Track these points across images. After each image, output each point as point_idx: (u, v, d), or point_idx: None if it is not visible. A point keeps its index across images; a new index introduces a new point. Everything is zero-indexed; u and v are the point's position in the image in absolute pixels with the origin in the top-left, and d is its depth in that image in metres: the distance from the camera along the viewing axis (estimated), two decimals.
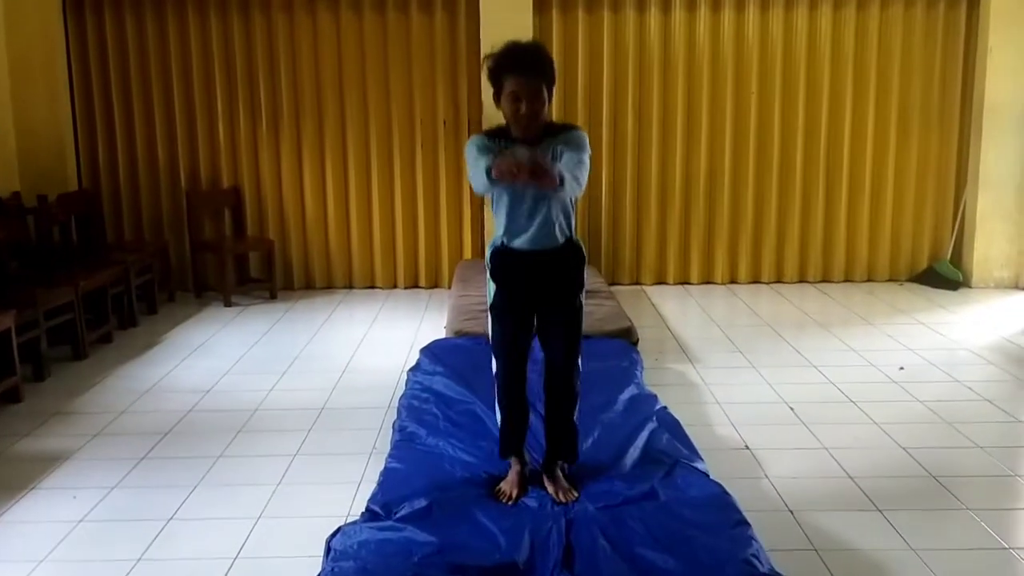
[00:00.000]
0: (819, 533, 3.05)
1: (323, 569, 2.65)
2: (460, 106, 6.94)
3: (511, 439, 3.17)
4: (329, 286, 7.20)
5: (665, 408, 3.87)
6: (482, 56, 3.03)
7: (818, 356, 5.18)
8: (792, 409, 4.31)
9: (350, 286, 7.22)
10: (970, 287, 7.01)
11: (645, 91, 6.98)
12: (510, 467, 3.17)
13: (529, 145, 2.87)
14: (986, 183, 6.93)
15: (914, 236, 7.24)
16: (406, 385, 4.30)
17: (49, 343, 4.98)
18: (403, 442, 3.55)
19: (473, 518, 2.89)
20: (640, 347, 4.93)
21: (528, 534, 2.77)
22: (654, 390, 4.16)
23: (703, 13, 6.90)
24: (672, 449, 3.40)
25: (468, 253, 7.12)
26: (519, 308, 3.03)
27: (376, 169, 7.01)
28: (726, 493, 3.02)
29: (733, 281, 7.25)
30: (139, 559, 2.95)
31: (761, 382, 4.74)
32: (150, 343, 5.67)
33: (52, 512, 3.32)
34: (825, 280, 7.26)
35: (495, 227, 3.04)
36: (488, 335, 3.15)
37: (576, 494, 3.05)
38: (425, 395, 4.04)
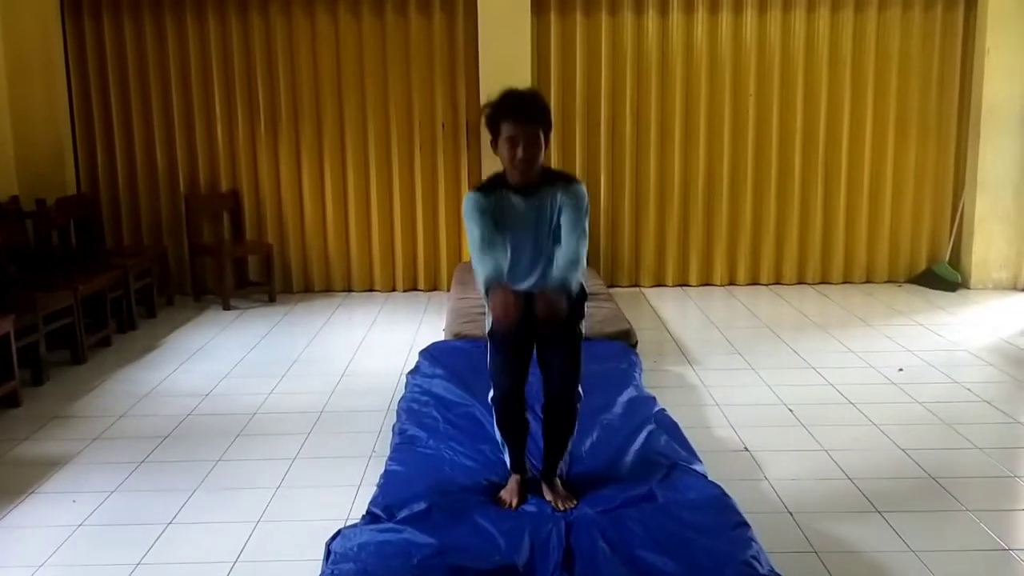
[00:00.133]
0: (819, 535, 3.05)
1: (323, 572, 2.65)
2: (458, 109, 6.95)
3: (515, 459, 3.17)
4: (328, 289, 7.20)
5: (664, 410, 3.87)
6: (481, 104, 3.04)
7: (817, 358, 5.19)
8: (791, 411, 4.31)
9: (349, 289, 7.22)
10: (968, 288, 7.01)
11: (643, 94, 6.99)
12: (510, 475, 3.17)
13: (529, 192, 2.88)
14: (984, 184, 6.93)
15: (913, 237, 7.25)
16: (405, 388, 4.30)
17: (48, 347, 4.98)
18: (403, 445, 3.55)
19: (473, 520, 2.89)
20: (639, 349, 4.93)
21: (528, 536, 2.77)
22: (653, 392, 4.16)
23: (701, 16, 6.91)
24: (671, 451, 3.40)
25: (467, 255, 7.12)
26: (518, 338, 3.04)
27: (375, 172, 7.01)
28: (725, 495, 3.02)
29: (732, 283, 7.26)
30: (138, 563, 2.95)
31: (760, 384, 4.74)
32: (149, 347, 5.67)
33: (51, 516, 3.32)
34: (824, 282, 7.26)
35: None
36: (486, 338, 3.14)
37: (575, 502, 3.05)
38: (425, 398, 4.04)
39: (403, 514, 2.91)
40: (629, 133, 7.02)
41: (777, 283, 7.26)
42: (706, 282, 7.26)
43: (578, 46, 6.91)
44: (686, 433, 3.65)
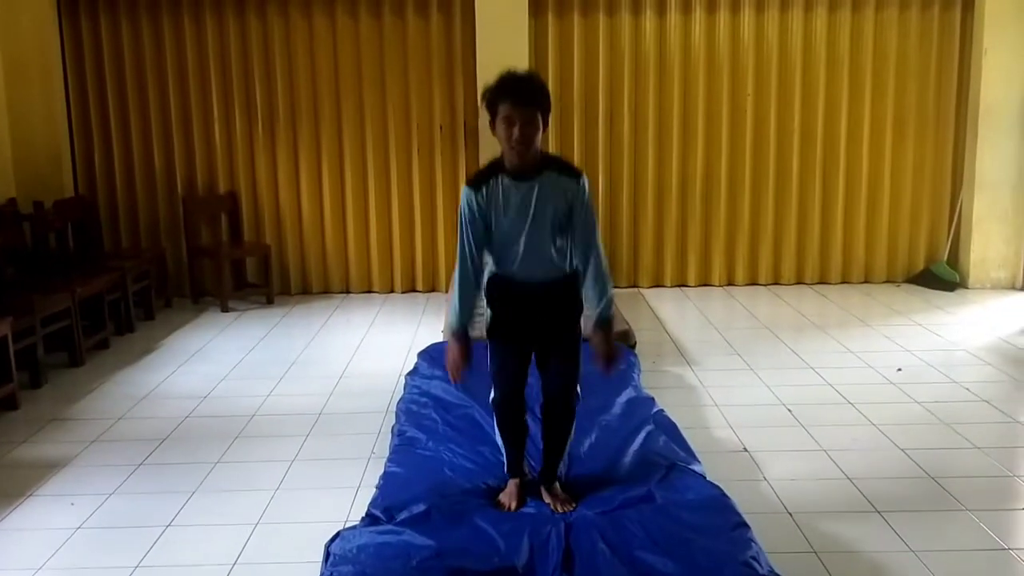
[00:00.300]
0: (818, 535, 3.04)
1: (322, 574, 2.65)
2: (456, 110, 6.95)
3: (514, 462, 3.17)
4: (326, 290, 7.20)
5: (663, 411, 3.87)
6: (480, 90, 3.03)
7: (816, 358, 5.19)
8: (790, 411, 4.31)
9: (347, 290, 7.21)
10: (967, 288, 7.02)
11: (641, 94, 6.99)
12: (509, 478, 3.16)
13: (525, 177, 2.86)
14: (982, 184, 6.94)
15: (911, 237, 7.25)
16: (404, 389, 4.30)
17: (46, 350, 4.97)
18: (402, 446, 3.55)
19: (472, 522, 2.88)
20: (637, 350, 4.94)
21: (527, 538, 2.77)
22: (652, 393, 4.17)
23: (698, 15, 6.91)
24: (670, 452, 3.40)
25: None
26: (517, 337, 3.03)
27: (373, 173, 7.00)
28: (724, 495, 3.02)
29: (730, 283, 7.26)
30: (137, 566, 2.95)
31: (759, 384, 4.74)
32: (147, 349, 5.67)
33: (49, 519, 3.31)
34: (822, 282, 7.27)
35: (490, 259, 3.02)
36: (485, 336, 3.14)
37: (574, 505, 3.05)
38: (423, 399, 4.03)
39: (402, 516, 2.91)
40: (627, 134, 7.01)
41: (775, 283, 7.26)
42: (704, 282, 7.26)
43: (576, 47, 6.90)
44: (685, 434, 3.65)
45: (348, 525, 2.97)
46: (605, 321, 2.93)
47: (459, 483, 3.20)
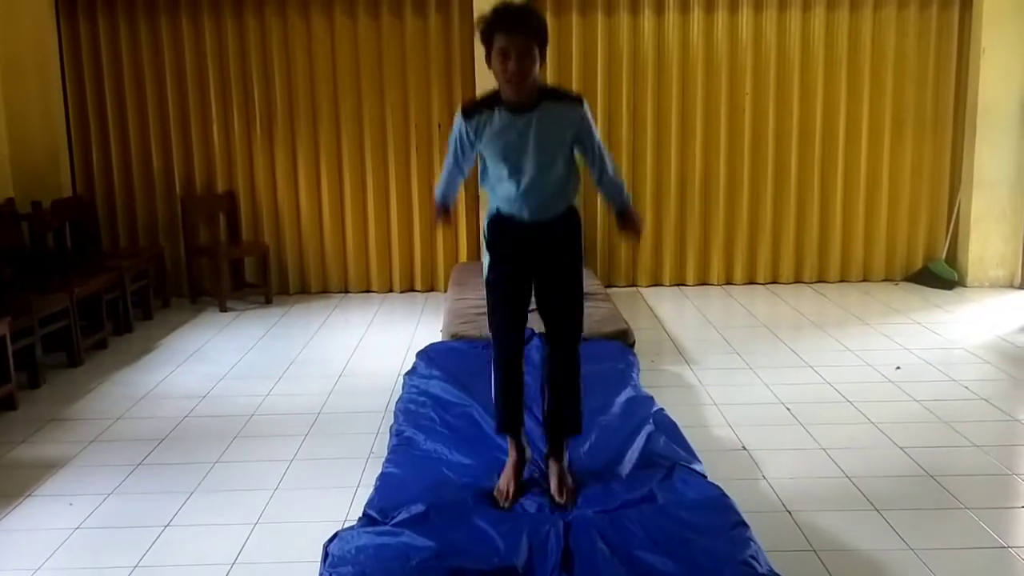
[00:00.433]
0: (817, 533, 3.05)
1: (320, 574, 2.64)
2: (455, 109, 6.90)
3: (508, 412, 3.10)
4: (325, 290, 7.19)
5: (662, 410, 3.86)
6: (475, 19, 3.01)
7: (814, 356, 5.19)
8: (789, 410, 4.31)
9: (346, 290, 7.21)
10: (965, 286, 7.02)
11: (639, 93, 6.98)
12: (506, 438, 3.13)
13: (523, 111, 2.84)
14: (980, 183, 6.94)
15: (909, 236, 7.25)
16: (403, 389, 4.30)
17: (44, 350, 4.97)
18: (400, 446, 3.54)
19: (471, 522, 2.88)
20: (636, 349, 4.93)
21: (526, 537, 2.76)
22: (651, 392, 4.16)
23: (696, 15, 6.91)
24: (669, 451, 3.40)
25: (464, 256, 7.12)
26: (517, 277, 3.00)
27: (371, 173, 7.00)
28: (724, 495, 3.02)
29: (729, 282, 7.26)
30: (136, 566, 2.94)
31: (758, 383, 4.74)
32: (145, 349, 5.66)
33: (48, 519, 3.31)
34: (821, 280, 7.27)
35: (489, 199, 3.03)
36: (487, 321, 3.12)
37: (575, 497, 3.04)
38: (422, 399, 4.03)
39: (400, 516, 2.90)
40: (626, 133, 7.01)
41: (774, 282, 7.26)
42: (703, 281, 7.26)
43: (574, 46, 6.90)
44: (684, 433, 3.65)
45: (347, 525, 2.96)
46: (627, 206, 3.12)
47: (457, 482, 3.20)
